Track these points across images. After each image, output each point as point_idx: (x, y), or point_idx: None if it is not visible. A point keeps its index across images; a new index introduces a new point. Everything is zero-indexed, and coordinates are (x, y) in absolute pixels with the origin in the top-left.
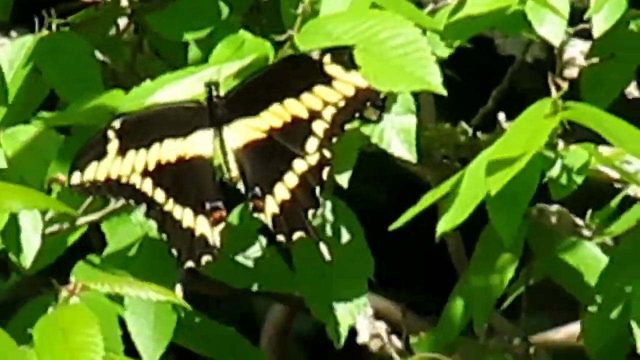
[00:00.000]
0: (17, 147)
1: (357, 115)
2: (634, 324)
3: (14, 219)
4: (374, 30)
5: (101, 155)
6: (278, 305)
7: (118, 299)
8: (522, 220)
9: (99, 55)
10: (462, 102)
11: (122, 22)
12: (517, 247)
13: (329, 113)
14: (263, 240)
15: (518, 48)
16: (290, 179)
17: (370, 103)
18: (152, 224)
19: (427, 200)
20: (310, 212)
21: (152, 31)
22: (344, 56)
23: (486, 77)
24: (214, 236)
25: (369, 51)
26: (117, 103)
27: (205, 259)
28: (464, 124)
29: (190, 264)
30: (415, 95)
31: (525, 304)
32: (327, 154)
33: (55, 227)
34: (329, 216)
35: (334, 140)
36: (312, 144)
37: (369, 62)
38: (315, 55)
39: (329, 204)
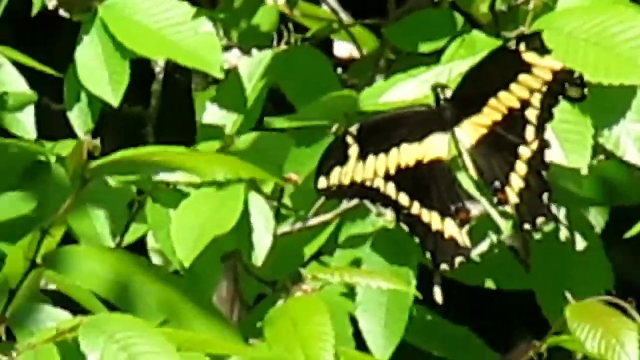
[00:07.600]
0: (251, 152)
1: (560, 97)
2: None
3: (246, 218)
4: (605, 24)
5: (343, 160)
6: None
7: (350, 297)
8: None
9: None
10: None
11: None
12: None
13: (536, 99)
14: (493, 236)
15: None
16: (521, 168)
17: (568, 83)
18: (385, 222)
19: None
20: (545, 195)
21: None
22: (536, 42)
23: None
24: (463, 237)
25: (600, 45)
26: (348, 103)
27: (459, 260)
28: None
29: (444, 266)
30: None
31: None
32: (545, 137)
33: (287, 227)
34: (564, 222)
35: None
36: (529, 132)
37: (601, 56)
38: (512, 45)
39: (563, 210)
